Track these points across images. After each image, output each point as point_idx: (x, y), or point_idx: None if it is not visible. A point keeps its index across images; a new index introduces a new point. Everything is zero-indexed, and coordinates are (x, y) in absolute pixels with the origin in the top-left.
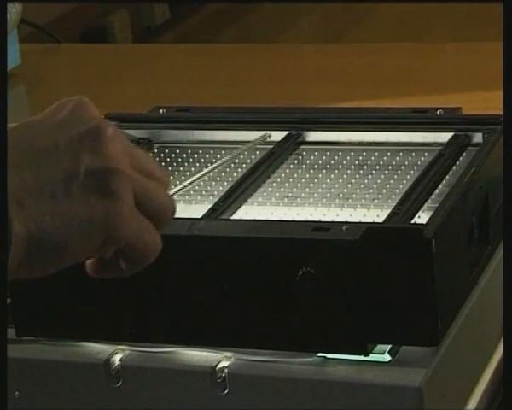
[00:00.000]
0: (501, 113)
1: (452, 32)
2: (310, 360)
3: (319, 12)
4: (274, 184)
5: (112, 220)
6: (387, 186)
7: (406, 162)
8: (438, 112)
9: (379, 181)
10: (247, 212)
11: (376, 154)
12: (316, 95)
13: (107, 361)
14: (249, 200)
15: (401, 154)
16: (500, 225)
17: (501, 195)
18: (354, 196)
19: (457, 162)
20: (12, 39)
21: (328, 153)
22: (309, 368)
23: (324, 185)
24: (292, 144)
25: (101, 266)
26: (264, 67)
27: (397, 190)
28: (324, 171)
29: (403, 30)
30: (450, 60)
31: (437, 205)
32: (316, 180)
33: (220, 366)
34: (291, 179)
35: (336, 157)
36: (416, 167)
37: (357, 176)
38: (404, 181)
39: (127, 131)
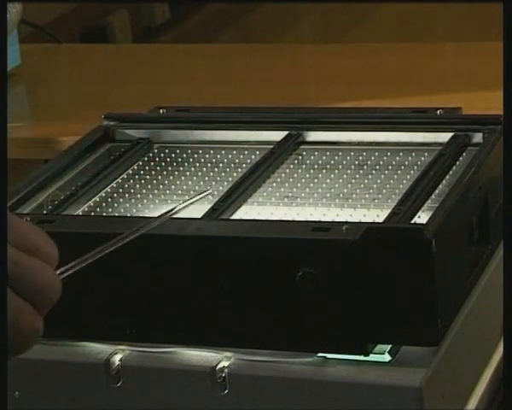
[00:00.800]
0: (501, 113)
1: (452, 32)
2: (310, 360)
3: (319, 12)
4: (274, 184)
5: None
6: (387, 186)
7: (406, 162)
8: (438, 112)
9: (379, 181)
10: (247, 212)
11: (376, 154)
12: (316, 95)
13: (107, 361)
14: (249, 200)
15: (401, 154)
16: (500, 225)
17: (501, 195)
18: (354, 196)
19: (457, 162)
20: (12, 39)
21: (328, 153)
22: (309, 368)
23: (324, 185)
24: (292, 144)
25: None
26: (264, 67)
27: (397, 190)
28: (324, 171)
29: (403, 30)
30: (450, 60)
31: (437, 205)
32: (316, 180)
33: (220, 366)
34: (291, 179)
35: (336, 157)
36: (415, 167)
37: (357, 176)
38: (404, 181)
39: (127, 131)
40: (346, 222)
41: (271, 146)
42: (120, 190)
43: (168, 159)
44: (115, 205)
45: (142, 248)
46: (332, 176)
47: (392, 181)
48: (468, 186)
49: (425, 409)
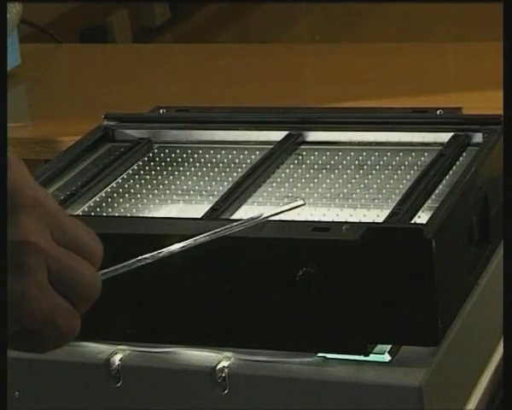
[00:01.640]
0: (501, 113)
1: (452, 32)
2: (310, 360)
3: (319, 12)
4: (274, 184)
5: (14, 297)
6: (387, 186)
7: (406, 162)
8: (438, 112)
9: (379, 181)
10: (246, 212)
11: (376, 154)
12: (316, 95)
13: (107, 361)
14: (249, 200)
15: (401, 154)
16: (500, 225)
17: (501, 195)
18: (354, 196)
19: (457, 162)
20: (12, 39)
21: (328, 153)
22: (309, 368)
23: (324, 185)
24: (292, 144)
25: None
26: (264, 67)
27: (397, 190)
28: (324, 171)
29: (403, 30)
30: (450, 60)
31: (437, 205)
32: (316, 180)
33: (220, 366)
34: (291, 179)
35: (336, 157)
36: (416, 167)
37: (357, 176)
38: (404, 181)
39: (127, 131)
40: (346, 222)
41: (271, 146)
42: (120, 190)
43: (168, 159)
44: (115, 205)
45: (142, 248)
46: (332, 176)
47: (392, 181)
48: (468, 186)
49: (425, 409)
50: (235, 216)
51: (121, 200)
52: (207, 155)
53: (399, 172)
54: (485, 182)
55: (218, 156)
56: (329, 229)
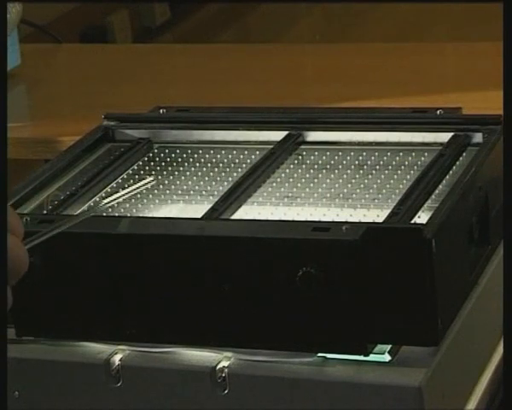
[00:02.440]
0: (501, 113)
1: (452, 32)
2: (310, 360)
3: (319, 12)
4: (274, 184)
5: None
6: (387, 186)
7: (406, 162)
8: (438, 112)
9: (379, 181)
10: (247, 212)
11: (376, 154)
12: (316, 95)
13: (107, 361)
14: (249, 200)
15: (401, 154)
16: (500, 225)
17: (501, 195)
18: (354, 196)
19: (457, 162)
20: (12, 39)
21: (328, 153)
22: (309, 368)
23: (324, 185)
24: (292, 144)
25: None
26: (264, 67)
27: (397, 190)
28: (324, 171)
29: (403, 30)
30: (450, 60)
31: (437, 205)
32: (316, 180)
33: (220, 366)
34: (291, 179)
35: (336, 157)
36: (416, 167)
37: (357, 176)
38: (404, 181)
39: (127, 131)
40: (346, 222)
41: (271, 146)
42: (120, 190)
43: (168, 159)
44: (115, 205)
45: (142, 248)
46: (332, 176)
47: (392, 181)
48: (468, 186)
49: (425, 409)
50: (235, 216)
51: (121, 200)
52: (207, 155)
53: (399, 172)
54: (485, 182)
55: (218, 156)
56: (329, 229)
